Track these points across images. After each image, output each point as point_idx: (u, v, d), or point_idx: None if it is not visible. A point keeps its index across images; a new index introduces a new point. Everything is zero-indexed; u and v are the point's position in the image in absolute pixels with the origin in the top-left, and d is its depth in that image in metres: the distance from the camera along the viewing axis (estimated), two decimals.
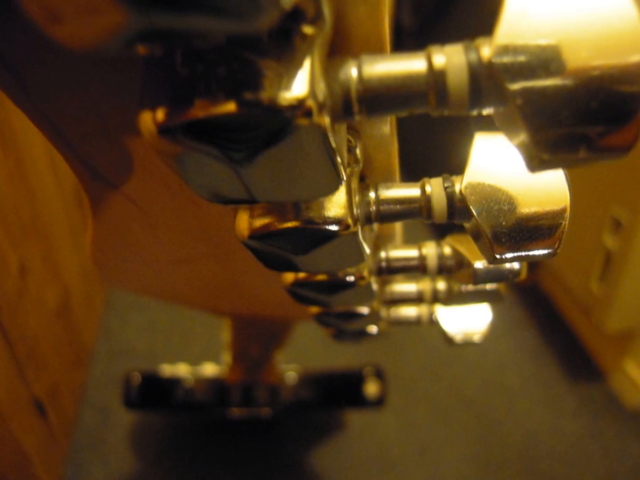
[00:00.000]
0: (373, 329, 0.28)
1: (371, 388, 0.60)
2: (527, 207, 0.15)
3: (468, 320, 0.28)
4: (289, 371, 0.60)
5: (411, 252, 0.22)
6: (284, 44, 0.11)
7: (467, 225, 0.16)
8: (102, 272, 0.28)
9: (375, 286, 0.21)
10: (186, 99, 0.10)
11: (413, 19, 0.87)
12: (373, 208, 0.16)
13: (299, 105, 0.10)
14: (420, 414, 0.66)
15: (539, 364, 0.72)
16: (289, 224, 0.15)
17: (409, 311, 0.29)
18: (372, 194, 0.17)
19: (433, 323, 0.29)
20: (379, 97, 0.12)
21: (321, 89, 0.11)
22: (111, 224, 0.22)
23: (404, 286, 0.26)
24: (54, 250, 0.60)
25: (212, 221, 0.22)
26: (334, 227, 0.15)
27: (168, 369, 0.59)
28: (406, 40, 0.87)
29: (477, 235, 0.15)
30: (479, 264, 0.20)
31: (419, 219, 0.17)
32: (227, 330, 0.51)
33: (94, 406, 0.66)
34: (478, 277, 0.20)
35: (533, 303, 0.80)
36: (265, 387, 0.58)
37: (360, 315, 0.24)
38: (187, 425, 0.64)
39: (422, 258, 0.22)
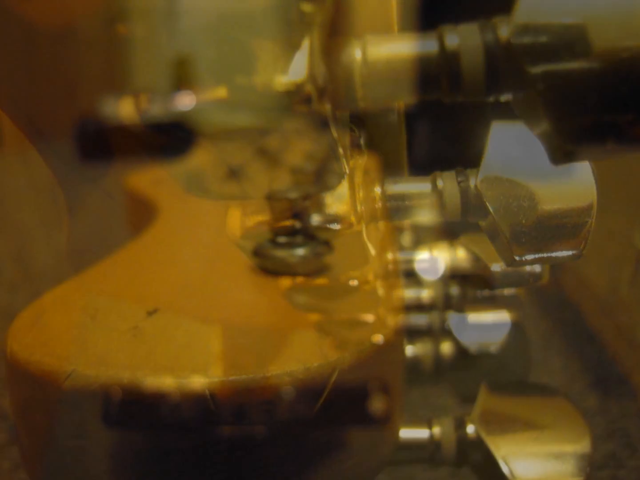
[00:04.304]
0: (379, 338, 0.28)
1: (377, 404, 0.59)
2: (549, 204, 0.15)
3: (484, 329, 0.28)
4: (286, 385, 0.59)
5: (421, 254, 0.22)
6: (280, 23, 0.11)
7: (483, 223, 0.16)
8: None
9: (381, 291, 0.21)
10: None
11: None
12: (379, 205, 0.16)
13: (297, 91, 0.10)
14: None
15: (563, 379, 0.72)
16: (286, 223, 0.15)
17: (418, 319, 0.29)
18: (377, 189, 0.17)
19: (445, 332, 0.29)
20: (386, 82, 0.12)
21: (321, 72, 0.11)
22: (89, 222, 0.22)
23: (413, 291, 0.26)
24: (25, 250, 0.60)
25: None
26: (335, 226, 0.15)
27: (151, 382, 0.59)
28: (415, 19, 0.87)
29: (494, 235, 0.15)
30: (497, 267, 0.20)
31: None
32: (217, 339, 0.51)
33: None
34: (495, 281, 0.20)
35: (556, 310, 0.80)
36: (259, 403, 0.57)
37: (364, 324, 0.24)
38: (173, 445, 0.64)
39: (433, 260, 0.22)
